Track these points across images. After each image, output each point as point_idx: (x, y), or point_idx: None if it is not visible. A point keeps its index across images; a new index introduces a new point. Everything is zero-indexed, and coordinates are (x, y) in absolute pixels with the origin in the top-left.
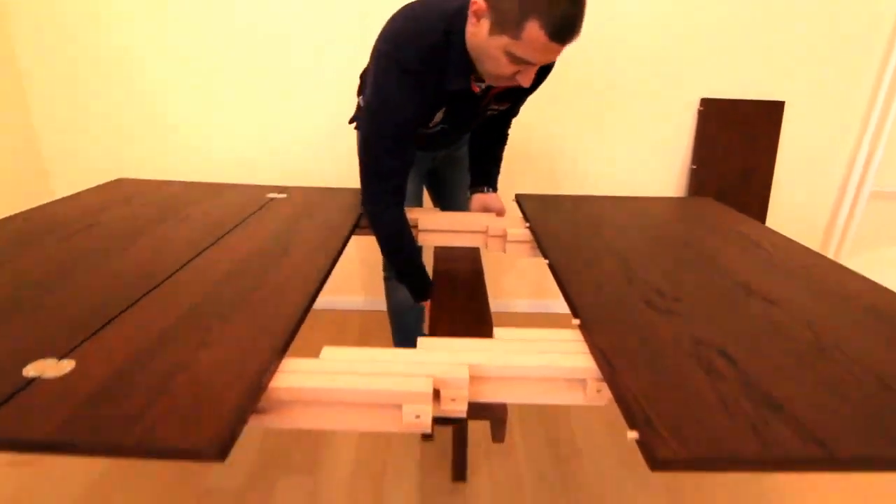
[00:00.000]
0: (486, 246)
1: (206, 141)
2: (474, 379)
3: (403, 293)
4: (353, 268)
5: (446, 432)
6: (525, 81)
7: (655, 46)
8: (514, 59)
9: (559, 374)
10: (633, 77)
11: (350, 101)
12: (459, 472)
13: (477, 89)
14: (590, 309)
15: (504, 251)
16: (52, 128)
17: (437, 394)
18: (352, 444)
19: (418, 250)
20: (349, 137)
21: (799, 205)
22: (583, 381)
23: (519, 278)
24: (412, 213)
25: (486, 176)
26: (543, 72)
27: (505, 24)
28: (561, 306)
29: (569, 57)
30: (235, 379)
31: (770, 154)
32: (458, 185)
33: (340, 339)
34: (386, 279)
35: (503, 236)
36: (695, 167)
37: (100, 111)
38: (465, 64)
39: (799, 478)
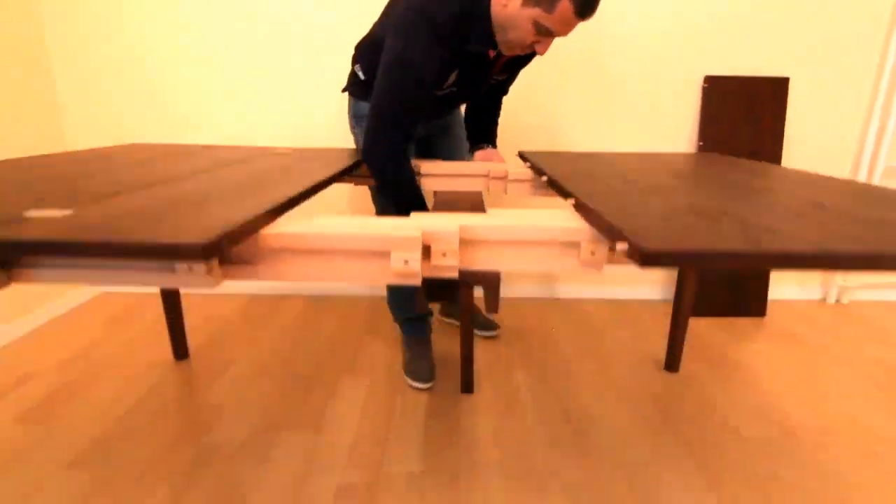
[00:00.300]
0: (489, 189)
1: (214, 119)
2: (466, 243)
3: None
4: None
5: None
6: (543, 50)
7: (657, 24)
8: (540, 29)
9: (552, 237)
10: (636, 54)
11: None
12: (467, 385)
13: (492, 54)
14: (585, 194)
15: (506, 192)
16: (76, 124)
17: (427, 251)
18: (356, 407)
19: (422, 193)
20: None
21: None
22: (576, 244)
23: None
24: (413, 162)
25: (485, 135)
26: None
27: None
28: (570, 291)
29: (572, 34)
30: (228, 218)
31: (777, 131)
32: (449, 152)
33: (348, 324)
34: None
35: (504, 178)
36: (701, 144)
37: (118, 107)
38: (488, 32)
39: (821, 458)
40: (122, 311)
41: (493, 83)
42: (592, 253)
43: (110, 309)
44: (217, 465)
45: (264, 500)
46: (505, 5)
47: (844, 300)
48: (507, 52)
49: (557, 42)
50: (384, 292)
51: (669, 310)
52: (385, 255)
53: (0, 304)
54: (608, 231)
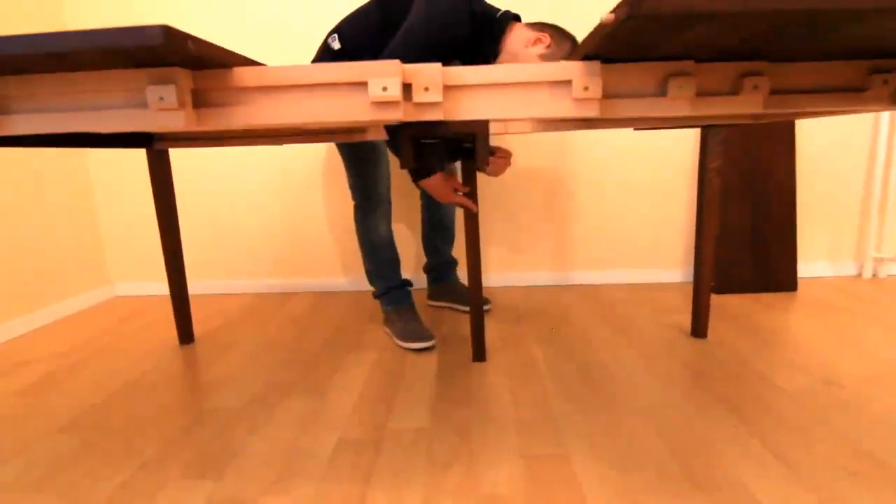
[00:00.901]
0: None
1: None
2: (451, 89)
3: (383, 228)
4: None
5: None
6: None
7: None
8: None
9: (542, 76)
10: None
11: None
12: (479, 353)
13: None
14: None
15: (506, 130)
16: None
17: (408, 90)
18: (362, 376)
19: None
20: None
21: (833, 144)
22: (567, 83)
23: (538, 250)
24: None
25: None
26: None
27: (551, 61)
28: (584, 277)
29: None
30: None
31: None
32: None
33: (355, 313)
34: (361, 214)
35: None
36: None
37: None
38: (497, 44)
39: (870, 403)
40: (132, 311)
41: None
42: (586, 88)
43: (122, 310)
44: (212, 427)
45: (257, 454)
46: (526, 46)
47: (881, 274)
48: None
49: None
50: None
51: (691, 290)
52: (363, 87)
53: (11, 299)
54: (593, 32)
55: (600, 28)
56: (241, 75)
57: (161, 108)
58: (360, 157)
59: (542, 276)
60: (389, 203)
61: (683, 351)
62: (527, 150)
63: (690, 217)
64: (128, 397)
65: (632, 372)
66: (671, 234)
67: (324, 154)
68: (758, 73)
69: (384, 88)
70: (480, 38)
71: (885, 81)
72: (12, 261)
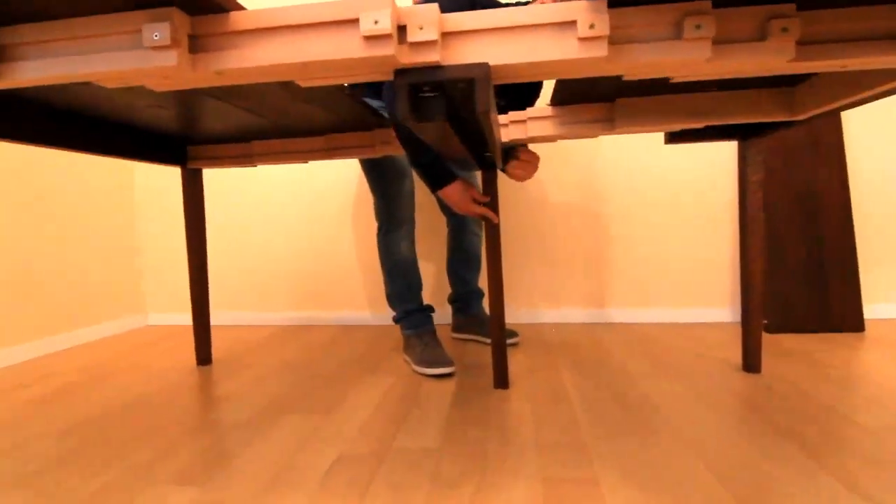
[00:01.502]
0: (506, 136)
1: None
2: (449, 36)
3: (405, 248)
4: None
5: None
6: None
7: None
8: None
9: (545, 18)
10: None
11: None
12: (501, 380)
13: None
14: None
15: (526, 134)
16: None
17: (402, 32)
18: (375, 396)
19: None
20: None
21: (888, 163)
22: (572, 24)
23: (571, 285)
24: None
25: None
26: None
27: None
28: (621, 315)
29: None
30: None
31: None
32: None
33: (377, 344)
34: (383, 233)
35: (524, 121)
36: None
37: None
38: None
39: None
40: (159, 338)
41: None
42: (591, 26)
43: (150, 336)
44: (210, 437)
45: (251, 464)
46: None
47: None
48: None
49: None
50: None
51: (740, 329)
52: (356, 24)
53: (47, 320)
54: None
55: None
56: (237, 19)
57: (154, 45)
58: (383, 175)
59: (576, 314)
60: (413, 224)
61: (734, 384)
62: (556, 180)
63: (737, 250)
64: (132, 409)
65: (675, 401)
66: (717, 270)
67: (354, 191)
68: (786, 17)
69: (375, 21)
70: None
71: None
72: (53, 283)
